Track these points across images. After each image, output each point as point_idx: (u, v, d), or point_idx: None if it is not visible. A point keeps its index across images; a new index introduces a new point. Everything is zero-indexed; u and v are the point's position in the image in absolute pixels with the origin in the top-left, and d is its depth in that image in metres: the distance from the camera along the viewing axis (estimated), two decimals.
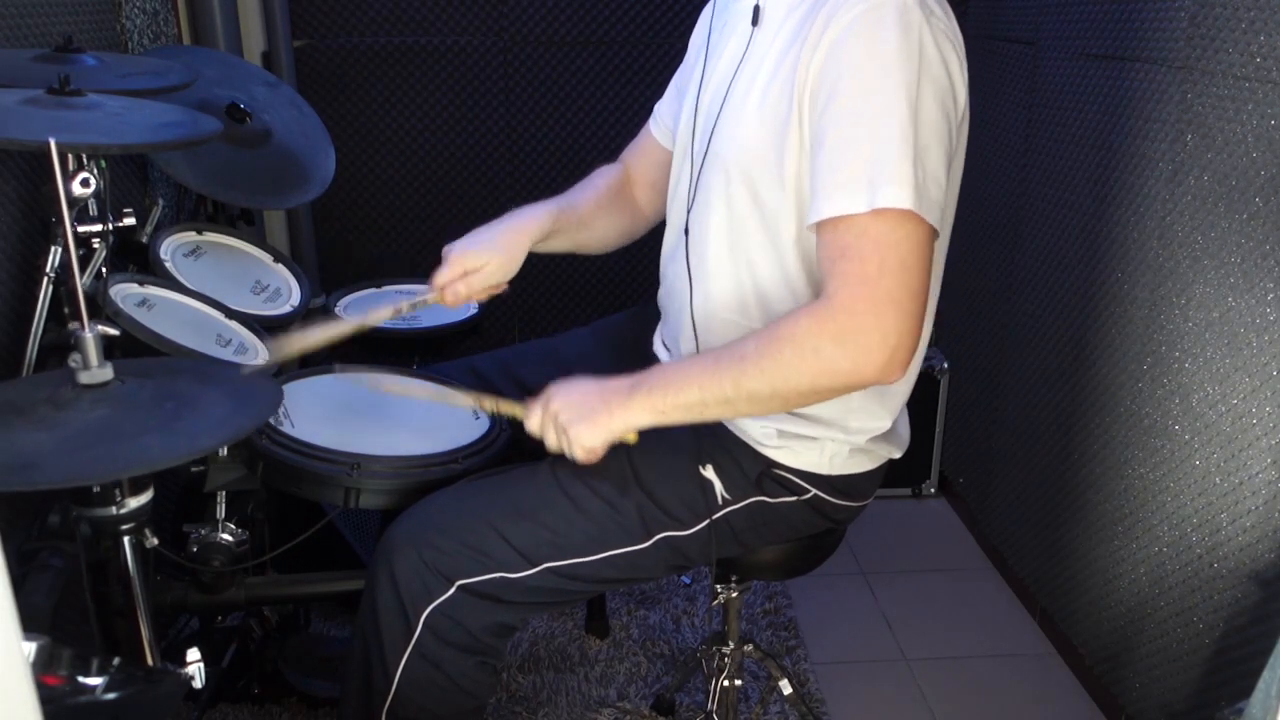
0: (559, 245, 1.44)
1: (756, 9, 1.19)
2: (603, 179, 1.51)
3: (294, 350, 1.30)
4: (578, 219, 1.44)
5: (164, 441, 0.95)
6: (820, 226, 1.06)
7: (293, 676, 1.71)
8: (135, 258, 1.58)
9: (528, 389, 1.50)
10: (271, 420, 1.32)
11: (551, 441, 1.18)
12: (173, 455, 0.94)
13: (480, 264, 1.34)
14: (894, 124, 1.01)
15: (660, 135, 1.48)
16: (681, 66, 1.45)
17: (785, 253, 1.17)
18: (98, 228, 1.32)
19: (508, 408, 1.24)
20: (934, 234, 1.05)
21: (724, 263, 1.23)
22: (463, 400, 1.33)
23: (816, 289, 1.18)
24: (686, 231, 1.28)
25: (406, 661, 1.19)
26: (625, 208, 1.51)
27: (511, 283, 1.39)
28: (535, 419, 1.19)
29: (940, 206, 1.06)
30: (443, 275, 1.35)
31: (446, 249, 1.36)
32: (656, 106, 1.49)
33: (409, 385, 1.34)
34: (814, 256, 1.16)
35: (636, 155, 1.53)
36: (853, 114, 1.03)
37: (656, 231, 1.51)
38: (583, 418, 1.15)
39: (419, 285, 2.04)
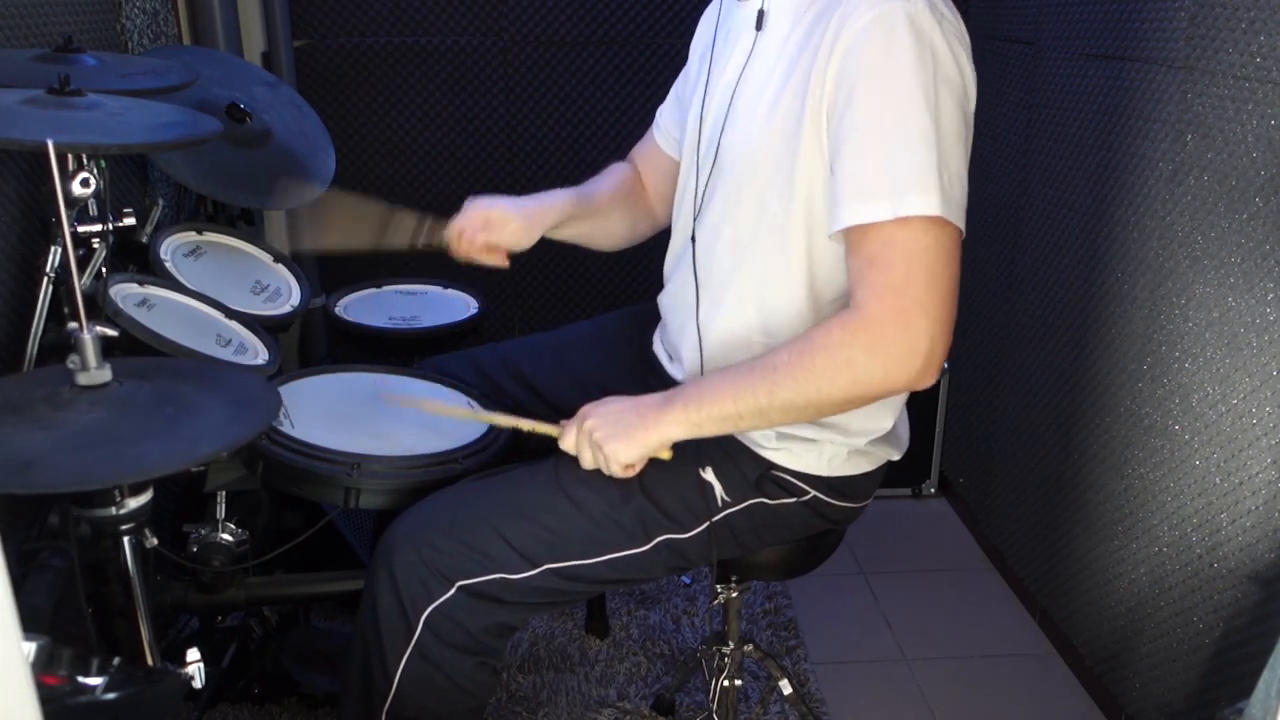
0: (572, 233, 1.44)
1: (760, 14, 1.18)
2: (617, 175, 1.52)
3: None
4: (594, 209, 1.45)
5: (162, 447, 0.95)
6: (846, 235, 1.06)
7: (294, 670, 1.71)
8: (135, 258, 1.58)
9: (526, 382, 1.51)
10: (270, 422, 1.31)
11: (587, 459, 1.18)
12: (170, 462, 0.93)
13: (503, 219, 1.34)
14: (914, 130, 1.01)
15: (664, 143, 1.48)
16: (683, 73, 1.44)
17: (792, 261, 1.17)
18: (97, 228, 1.32)
19: (542, 428, 1.25)
20: (960, 236, 1.06)
21: (729, 271, 1.23)
22: (499, 421, 1.33)
23: (820, 298, 1.18)
24: (693, 240, 1.28)
25: (406, 661, 1.19)
26: (638, 205, 1.52)
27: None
28: (570, 438, 1.19)
29: (964, 208, 1.07)
30: (462, 218, 1.35)
31: (470, 199, 1.36)
32: (658, 113, 1.49)
33: (447, 406, 1.36)
34: (823, 266, 1.16)
35: (642, 160, 1.53)
36: (871, 122, 1.03)
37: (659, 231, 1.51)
38: (618, 434, 1.15)
39: (419, 285, 2.05)
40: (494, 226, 1.34)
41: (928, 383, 1.07)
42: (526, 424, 1.27)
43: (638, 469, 1.18)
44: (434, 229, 1.40)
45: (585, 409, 1.19)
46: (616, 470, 1.17)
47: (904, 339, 1.03)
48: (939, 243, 1.03)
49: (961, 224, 1.05)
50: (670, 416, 1.13)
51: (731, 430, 1.15)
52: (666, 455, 1.18)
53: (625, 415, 1.16)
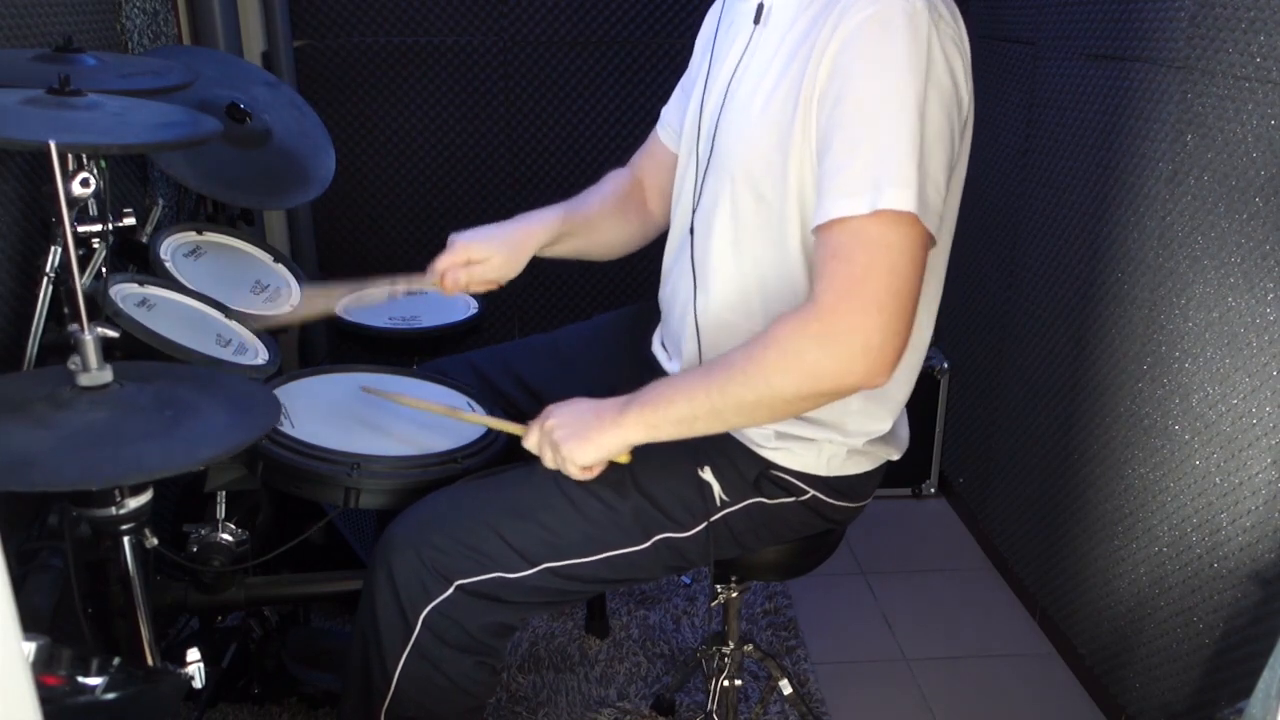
0: (567, 249, 1.44)
1: (760, 8, 1.19)
2: (611, 184, 1.51)
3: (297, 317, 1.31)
4: (586, 223, 1.44)
5: (162, 449, 0.94)
6: (819, 228, 1.06)
7: (295, 668, 1.71)
8: (135, 258, 1.58)
9: (526, 385, 1.51)
10: (270, 427, 1.31)
11: (548, 459, 1.18)
12: (170, 464, 0.93)
13: (484, 256, 1.34)
14: (899, 129, 1.01)
15: (668, 140, 1.47)
16: (688, 70, 1.44)
17: (790, 255, 1.17)
18: (98, 228, 1.32)
19: (508, 428, 1.26)
20: (929, 240, 1.05)
21: (728, 265, 1.23)
22: (470, 419, 1.36)
23: None
24: (691, 232, 1.28)
25: (405, 661, 1.19)
26: (635, 213, 1.51)
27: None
28: (533, 438, 1.20)
29: (939, 213, 1.06)
30: (444, 260, 1.35)
31: (453, 237, 1.37)
32: (663, 111, 1.49)
33: (424, 402, 1.37)
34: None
35: (646, 160, 1.53)
36: (858, 118, 1.03)
37: None
38: (576, 435, 1.15)
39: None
40: (475, 269, 1.35)
41: (878, 383, 1.04)
42: (494, 423, 1.29)
43: (595, 472, 1.18)
44: (411, 279, 1.40)
45: (549, 408, 1.19)
46: (574, 471, 1.16)
47: (857, 332, 1.01)
48: (905, 241, 1.02)
49: (933, 228, 1.04)
50: (628, 420, 1.13)
51: (689, 433, 1.13)
52: (625, 459, 1.18)
53: (585, 417, 1.16)
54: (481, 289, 1.39)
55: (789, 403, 1.08)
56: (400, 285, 1.40)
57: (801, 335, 1.03)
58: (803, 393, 1.06)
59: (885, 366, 1.03)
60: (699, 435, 1.14)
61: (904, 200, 1.00)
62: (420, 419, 1.42)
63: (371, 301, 1.38)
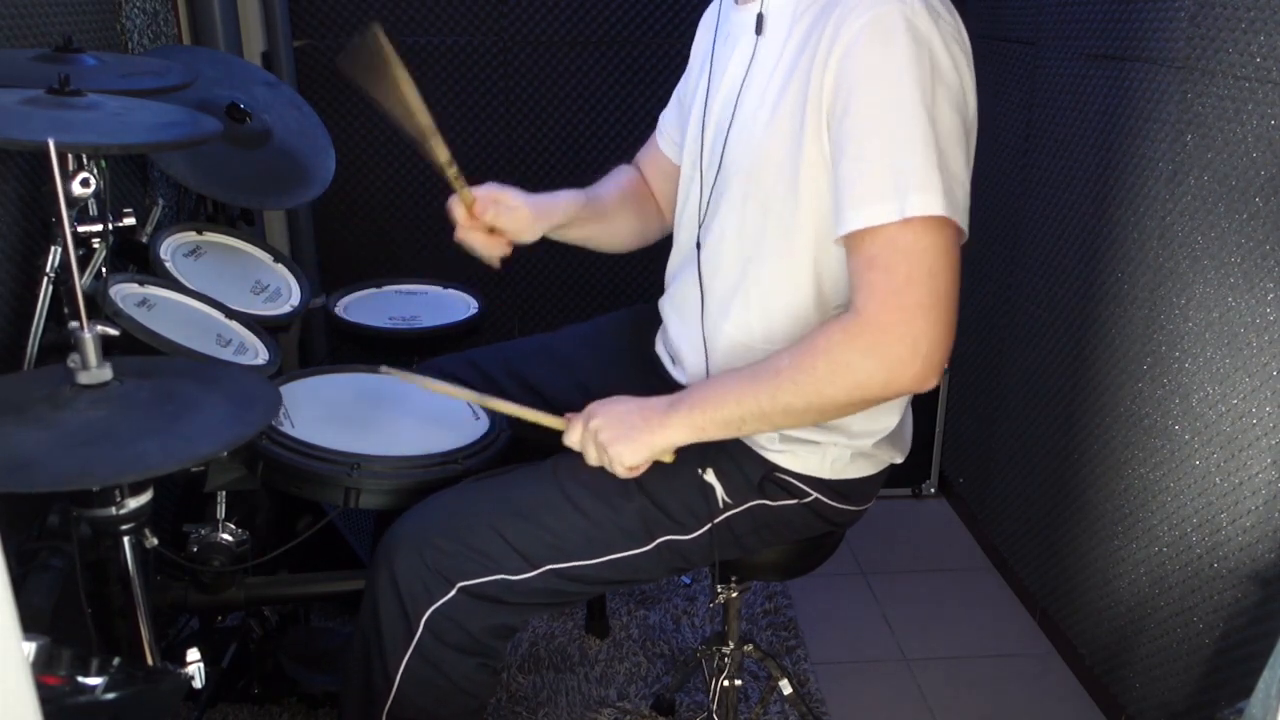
0: (578, 234, 1.44)
1: (760, 17, 1.18)
2: (623, 177, 1.52)
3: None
4: (601, 212, 1.45)
5: (163, 445, 0.94)
6: (847, 239, 1.06)
7: (292, 670, 1.71)
8: (135, 258, 1.58)
9: (526, 383, 1.50)
10: (271, 420, 1.31)
11: (592, 458, 1.19)
12: (171, 460, 0.93)
13: (514, 203, 1.33)
14: (913, 132, 1.01)
15: (667, 148, 1.47)
16: (683, 79, 1.44)
17: (800, 267, 1.17)
18: (98, 228, 1.32)
19: (546, 420, 1.24)
20: (962, 236, 1.06)
21: (736, 278, 1.23)
22: (501, 408, 1.29)
23: (826, 303, 1.18)
24: (698, 247, 1.28)
25: (407, 663, 1.19)
26: (643, 209, 1.51)
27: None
28: (575, 435, 1.19)
29: (966, 209, 1.07)
30: (480, 189, 1.32)
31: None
32: (661, 118, 1.49)
33: (449, 386, 1.32)
34: (829, 271, 1.16)
35: (648, 166, 1.53)
36: (870, 125, 1.03)
37: None
38: (623, 437, 1.15)
39: (419, 286, 2.05)
40: (503, 209, 1.32)
41: (929, 385, 1.07)
42: (530, 414, 1.26)
43: (641, 470, 1.18)
44: (461, 175, 1.35)
45: (591, 407, 1.19)
46: (621, 471, 1.17)
47: (905, 341, 1.03)
48: (939, 244, 1.03)
49: (964, 224, 1.05)
50: (675, 420, 1.14)
51: (735, 434, 1.16)
52: (669, 458, 1.19)
53: (631, 417, 1.16)
54: (489, 244, 1.34)
55: (840, 408, 1.11)
56: (451, 170, 1.32)
57: (850, 348, 1.05)
58: (854, 400, 1.08)
59: (934, 370, 1.05)
60: (744, 435, 1.18)
61: (932, 205, 1.01)
62: (419, 418, 1.42)
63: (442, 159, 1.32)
